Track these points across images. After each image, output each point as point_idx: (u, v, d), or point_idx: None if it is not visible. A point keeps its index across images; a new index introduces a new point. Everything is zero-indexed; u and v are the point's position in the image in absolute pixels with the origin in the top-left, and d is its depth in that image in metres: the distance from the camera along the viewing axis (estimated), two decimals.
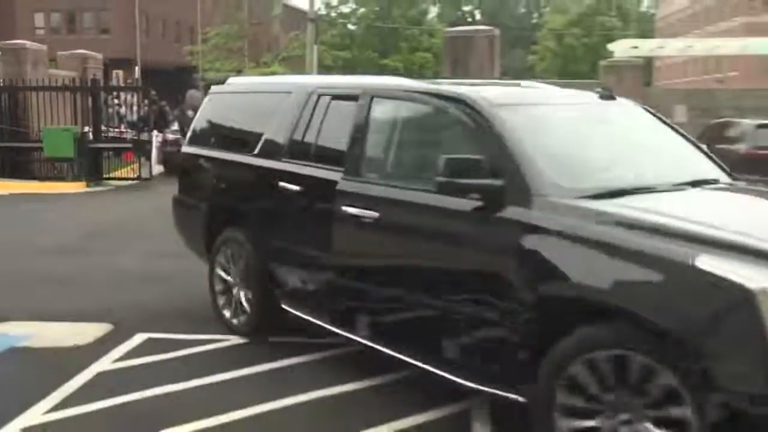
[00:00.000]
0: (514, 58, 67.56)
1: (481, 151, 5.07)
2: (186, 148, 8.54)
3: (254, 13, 49.85)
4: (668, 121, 6.60)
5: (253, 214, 7.19)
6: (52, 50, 26.07)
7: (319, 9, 46.75)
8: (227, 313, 7.38)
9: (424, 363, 5.33)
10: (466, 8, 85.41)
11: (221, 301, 7.49)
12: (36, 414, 5.45)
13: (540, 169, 4.89)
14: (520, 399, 4.73)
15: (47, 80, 22.26)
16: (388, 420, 5.37)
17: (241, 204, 7.44)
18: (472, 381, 5.00)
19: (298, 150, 6.76)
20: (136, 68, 46.65)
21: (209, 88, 8.79)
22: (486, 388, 4.95)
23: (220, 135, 8.15)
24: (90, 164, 20.78)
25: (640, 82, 25.50)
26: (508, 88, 7.00)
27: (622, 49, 33.92)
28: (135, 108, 23.62)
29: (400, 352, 5.54)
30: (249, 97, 8.05)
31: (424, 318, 5.47)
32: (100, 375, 6.28)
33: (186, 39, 56.13)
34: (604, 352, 4.23)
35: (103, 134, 22.19)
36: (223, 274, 7.49)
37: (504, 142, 5.03)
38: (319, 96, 6.73)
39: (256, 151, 7.18)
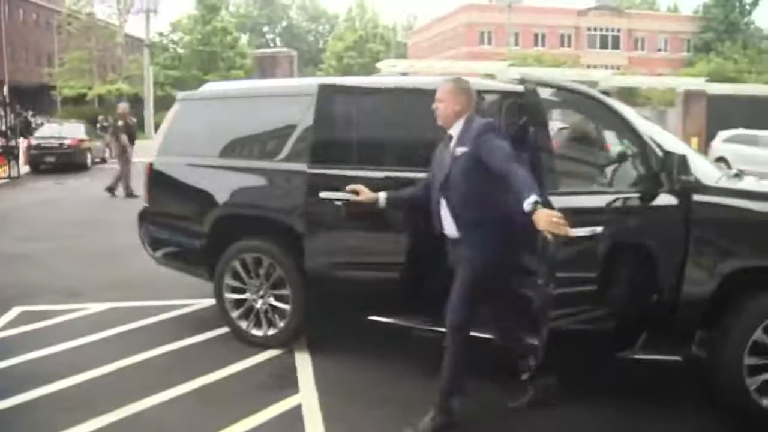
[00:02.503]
0: (307, 74, 67.55)
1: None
2: (162, 159, 6.04)
3: (100, 40, 47.39)
4: None
5: (297, 221, 5.14)
6: None
7: (153, 37, 44.59)
8: (252, 329, 5.48)
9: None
10: (269, 36, 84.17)
11: (236, 315, 5.53)
12: None
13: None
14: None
15: None
16: (228, 363, 5.10)
17: (271, 212, 5.35)
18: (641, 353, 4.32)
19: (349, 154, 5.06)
20: (5, 87, 43.05)
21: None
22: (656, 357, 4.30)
23: (220, 142, 5.73)
24: None
25: None
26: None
27: (385, 66, 34.36)
28: (2, 119, 21.65)
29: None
30: (251, 102, 5.80)
31: None
32: None
33: (45, 63, 52.44)
34: None
35: None
36: (235, 285, 5.52)
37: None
38: (349, 95, 5.16)
39: (282, 156, 5.34)
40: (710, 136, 22.21)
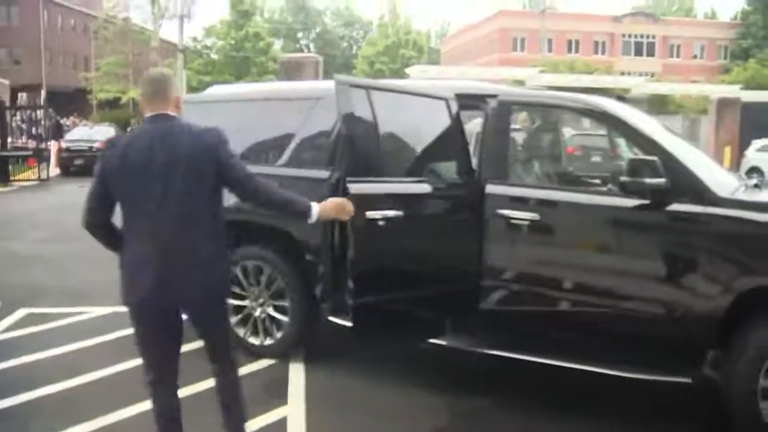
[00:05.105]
0: None
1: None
2: None
3: (136, 45, 48.02)
4: None
5: (298, 230, 4.89)
6: None
7: (187, 42, 45.10)
8: (249, 337, 5.30)
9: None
10: (303, 42, 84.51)
11: (234, 322, 5.17)
12: None
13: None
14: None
15: None
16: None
17: (272, 220, 4.92)
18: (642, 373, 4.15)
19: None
20: (42, 91, 43.83)
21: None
22: (664, 378, 4.10)
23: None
24: None
25: None
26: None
27: (416, 72, 34.18)
28: (36, 122, 22.03)
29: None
30: (255, 106, 5.64)
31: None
32: None
33: (82, 67, 53.28)
34: None
35: (10, 144, 20.55)
36: (235, 291, 5.19)
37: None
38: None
39: (284, 160, 5.24)
40: (744, 145, 21.62)
